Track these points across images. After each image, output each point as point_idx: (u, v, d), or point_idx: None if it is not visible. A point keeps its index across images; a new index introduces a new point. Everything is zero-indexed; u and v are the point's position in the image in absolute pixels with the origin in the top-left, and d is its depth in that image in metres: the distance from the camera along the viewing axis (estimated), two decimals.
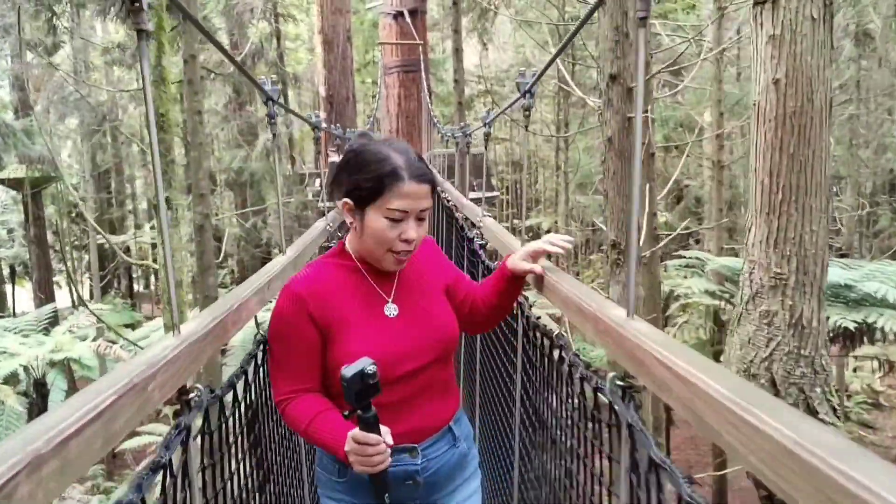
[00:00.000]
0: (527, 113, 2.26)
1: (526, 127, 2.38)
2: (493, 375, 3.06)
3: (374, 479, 1.65)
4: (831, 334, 11.74)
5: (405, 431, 1.78)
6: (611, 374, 1.21)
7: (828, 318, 10.65)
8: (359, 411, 1.56)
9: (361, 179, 1.73)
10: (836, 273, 11.60)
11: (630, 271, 1.26)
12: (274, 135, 2.64)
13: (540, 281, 1.91)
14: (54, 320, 15.87)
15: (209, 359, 1.49)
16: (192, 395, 1.40)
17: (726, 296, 12.31)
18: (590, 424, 1.45)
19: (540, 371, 2.05)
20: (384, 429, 1.60)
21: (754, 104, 3.66)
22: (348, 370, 1.51)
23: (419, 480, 1.85)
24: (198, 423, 1.45)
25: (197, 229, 8.47)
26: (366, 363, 1.51)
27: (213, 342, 1.50)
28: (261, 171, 16.89)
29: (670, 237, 8.16)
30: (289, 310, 1.75)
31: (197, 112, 8.48)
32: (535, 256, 1.94)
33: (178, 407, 1.37)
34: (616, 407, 1.19)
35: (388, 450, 1.61)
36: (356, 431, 1.58)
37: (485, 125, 3.65)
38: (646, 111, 6.17)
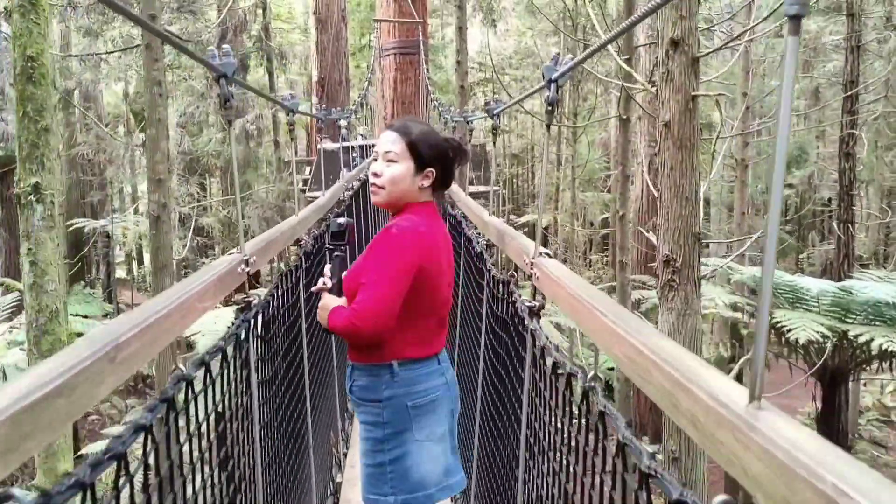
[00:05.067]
0: (549, 108, 1.95)
1: (548, 126, 2.08)
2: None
3: None
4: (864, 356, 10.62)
5: None
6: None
7: (871, 339, 9.59)
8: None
9: None
10: (873, 287, 10.49)
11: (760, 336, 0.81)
12: (229, 122, 2.00)
13: None
14: (19, 308, 14.55)
15: None
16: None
17: (750, 309, 11.18)
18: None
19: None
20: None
21: None
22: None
23: None
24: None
25: (153, 221, 7.18)
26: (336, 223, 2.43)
27: None
28: (241, 156, 15.50)
29: (736, 254, 6.92)
30: None
31: (156, 83, 7.19)
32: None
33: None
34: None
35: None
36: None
37: (491, 116, 3.10)
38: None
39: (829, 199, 24.75)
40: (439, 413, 2.28)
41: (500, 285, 2.52)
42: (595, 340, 1.35)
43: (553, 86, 1.84)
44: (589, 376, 1.31)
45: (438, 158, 2.32)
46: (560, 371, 1.54)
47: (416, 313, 2.22)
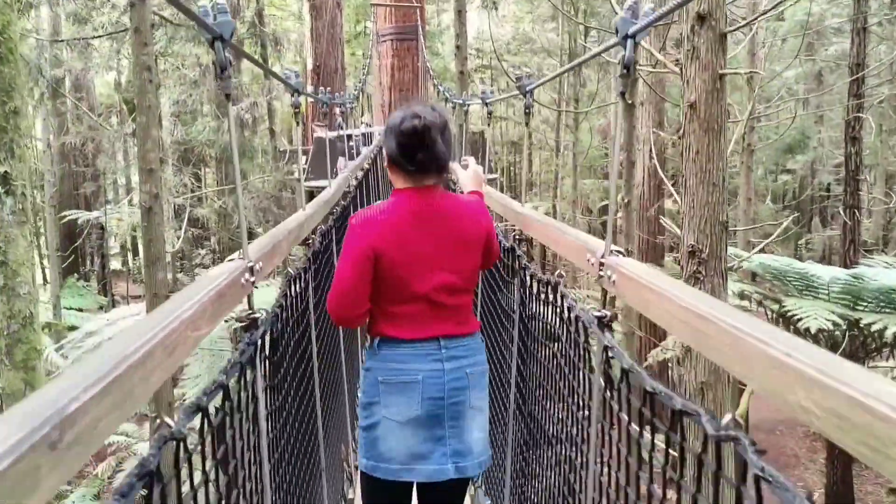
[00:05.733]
0: (625, 70, 1.53)
1: (623, 94, 1.66)
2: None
3: None
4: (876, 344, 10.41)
5: None
6: None
7: (885, 328, 9.36)
8: None
9: None
10: (884, 274, 10.26)
11: None
12: (227, 95, 1.72)
13: None
14: None
15: None
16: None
17: (757, 297, 10.92)
18: None
19: None
20: None
21: None
22: None
23: None
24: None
25: (145, 212, 6.88)
26: None
27: None
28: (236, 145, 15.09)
29: (762, 246, 6.65)
30: None
31: (146, 68, 6.88)
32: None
33: None
34: None
35: None
36: None
37: (524, 94, 2.67)
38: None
39: (829, 185, 24.49)
40: (410, 396, 2.21)
41: (546, 288, 2.14)
42: (747, 378, 0.92)
43: (630, 43, 1.45)
44: (724, 421, 0.89)
45: (385, 136, 2.24)
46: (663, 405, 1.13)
47: (393, 297, 2.22)
